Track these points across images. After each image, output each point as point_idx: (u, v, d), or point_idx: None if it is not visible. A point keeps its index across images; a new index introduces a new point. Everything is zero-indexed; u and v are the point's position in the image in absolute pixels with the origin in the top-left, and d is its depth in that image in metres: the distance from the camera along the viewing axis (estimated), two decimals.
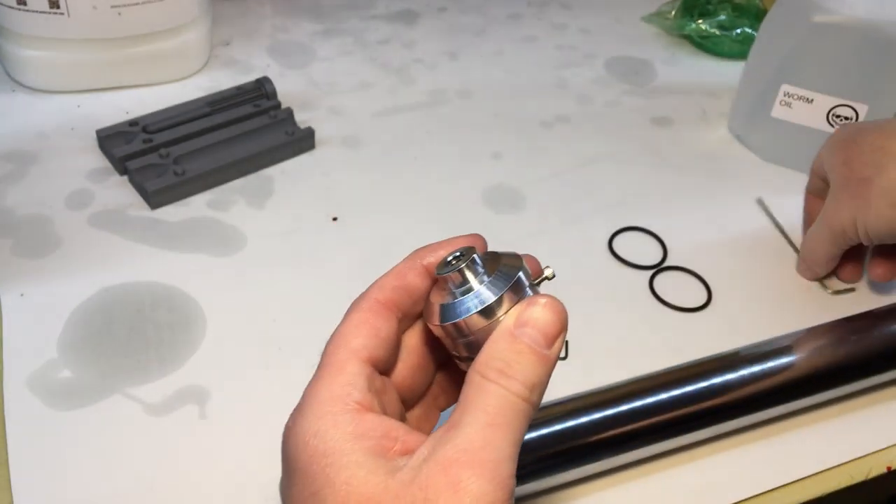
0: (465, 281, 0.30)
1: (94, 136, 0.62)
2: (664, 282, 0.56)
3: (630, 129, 0.70)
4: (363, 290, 0.33)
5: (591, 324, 0.52)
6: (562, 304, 0.31)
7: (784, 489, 0.45)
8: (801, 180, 0.60)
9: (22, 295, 0.51)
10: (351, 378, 0.30)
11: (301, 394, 0.30)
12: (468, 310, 0.30)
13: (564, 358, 0.51)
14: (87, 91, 0.67)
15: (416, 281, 0.33)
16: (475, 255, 0.31)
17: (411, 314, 0.34)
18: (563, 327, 0.31)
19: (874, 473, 0.46)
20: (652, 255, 0.58)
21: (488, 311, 0.30)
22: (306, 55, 0.75)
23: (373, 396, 0.30)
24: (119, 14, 0.63)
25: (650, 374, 0.45)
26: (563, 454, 0.42)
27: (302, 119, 0.66)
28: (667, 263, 0.57)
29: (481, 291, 0.30)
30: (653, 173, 0.65)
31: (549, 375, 0.30)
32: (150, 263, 0.54)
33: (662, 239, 0.59)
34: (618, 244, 0.58)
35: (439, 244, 0.34)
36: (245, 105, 0.65)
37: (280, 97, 0.66)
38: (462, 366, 0.32)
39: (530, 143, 0.67)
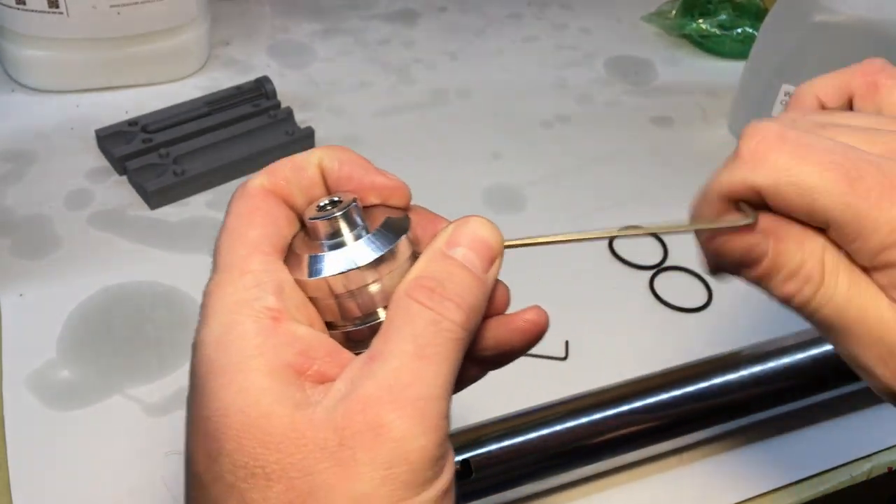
0: (336, 233, 0.26)
1: (94, 135, 0.62)
2: (665, 282, 0.56)
3: (630, 129, 0.70)
4: None
5: (592, 324, 0.52)
6: (495, 226, 0.27)
7: (785, 490, 0.45)
8: None
9: (21, 295, 0.51)
10: (257, 278, 0.25)
11: None
12: (336, 268, 0.26)
13: (564, 358, 0.51)
14: (87, 91, 0.67)
15: (317, 182, 0.28)
16: (354, 205, 0.27)
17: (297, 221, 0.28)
18: (500, 250, 0.27)
19: (875, 474, 0.46)
20: (652, 255, 0.58)
21: (357, 276, 0.26)
22: (306, 55, 0.75)
23: (285, 301, 0.25)
24: (118, 13, 0.63)
25: (650, 375, 0.45)
26: (563, 455, 0.42)
27: (302, 119, 0.66)
28: (667, 263, 0.57)
29: (353, 249, 0.26)
30: (653, 173, 0.65)
31: (485, 303, 0.26)
32: (149, 263, 0.54)
33: (663, 239, 0.59)
34: (618, 244, 0.58)
35: (354, 159, 0.28)
36: (244, 105, 0.65)
37: (280, 97, 0.66)
38: (333, 335, 0.27)
39: (530, 143, 0.67)
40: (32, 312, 0.50)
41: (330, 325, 0.27)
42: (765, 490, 0.45)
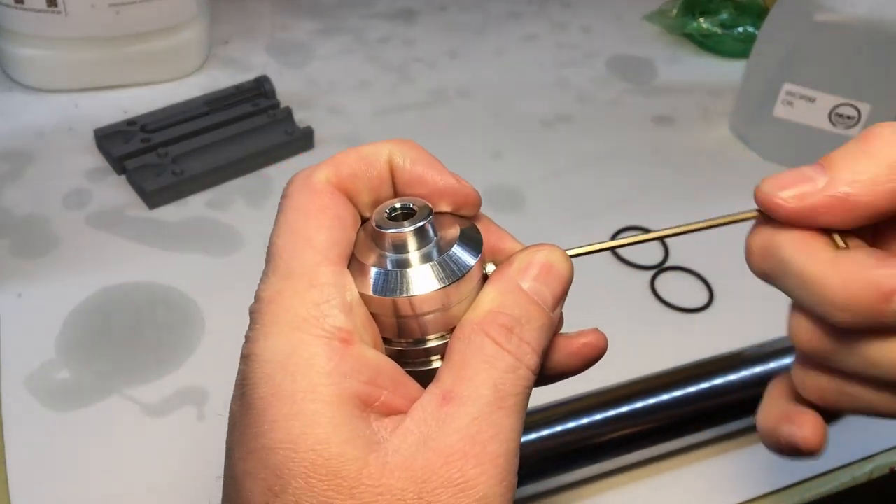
0: (406, 247, 0.24)
1: (92, 135, 0.62)
2: (665, 282, 0.56)
3: (631, 128, 0.70)
4: None
5: (592, 324, 0.52)
6: (566, 255, 0.25)
7: (786, 490, 0.45)
8: None
9: (20, 295, 0.51)
10: (326, 293, 0.23)
11: None
12: (405, 289, 0.24)
13: None
14: (85, 90, 0.67)
15: (385, 179, 0.25)
16: (430, 219, 0.24)
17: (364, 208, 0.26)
18: (570, 283, 0.25)
19: (876, 475, 0.46)
20: (653, 255, 0.58)
21: (427, 300, 0.24)
22: (305, 54, 0.75)
23: (354, 320, 0.23)
24: (117, 13, 0.63)
25: (651, 375, 0.45)
26: (564, 456, 0.42)
27: (301, 118, 0.66)
28: (668, 263, 0.57)
29: (425, 271, 0.24)
30: (654, 173, 0.65)
31: (552, 325, 0.25)
32: (148, 263, 0.53)
33: (663, 239, 0.59)
34: None
35: (424, 157, 0.27)
36: (244, 104, 0.65)
37: (279, 96, 0.66)
38: (387, 350, 0.25)
39: (530, 143, 0.67)
40: (31, 312, 0.50)
41: (385, 341, 0.25)
42: (766, 491, 0.44)
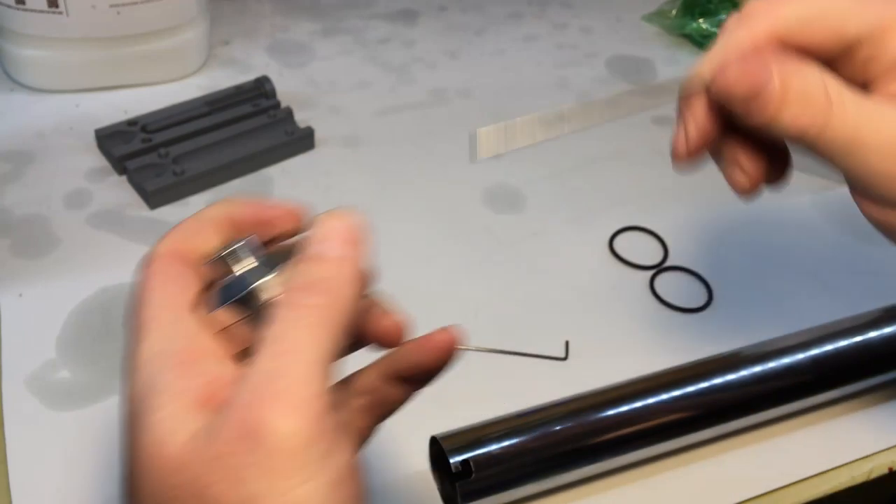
0: (225, 273, 0.29)
1: (93, 135, 0.62)
2: (665, 282, 0.56)
3: (631, 129, 0.70)
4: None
5: (592, 324, 0.52)
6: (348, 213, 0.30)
7: (785, 490, 0.45)
8: (801, 180, 0.60)
9: (20, 295, 0.51)
10: (166, 331, 0.27)
11: None
12: (220, 302, 0.28)
13: (565, 358, 0.51)
14: (86, 90, 0.67)
15: (213, 233, 0.30)
16: (240, 245, 0.29)
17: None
18: (355, 236, 0.29)
19: (875, 474, 0.46)
20: (653, 255, 0.58)
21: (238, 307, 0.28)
22: (306, 54, 0.75)
23: (194, 344, 0.27)
24: (118, 13, 0.63)
25: (651, 375, 0.45)
26: (563, 455, 0.42)
27: (301, 118, 0.66)
28: (668, 263, 0.57)
29: (234, 280, 0.28)
30: (654, 173, 0.65)
31: (350, 279, 0.27)
32: None
33: (663, 239, 0.59)
34: (618, 244, 0.58)
35: (249, 201, 0.31)
36: (244, 104, 0.65)
37: (279, 96, 0.66)
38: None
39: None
40: (32, 312, 0.50)
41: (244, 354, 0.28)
42: (765, 490, 0.45)
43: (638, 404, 0.43)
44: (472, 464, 0.39)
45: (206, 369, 0.26)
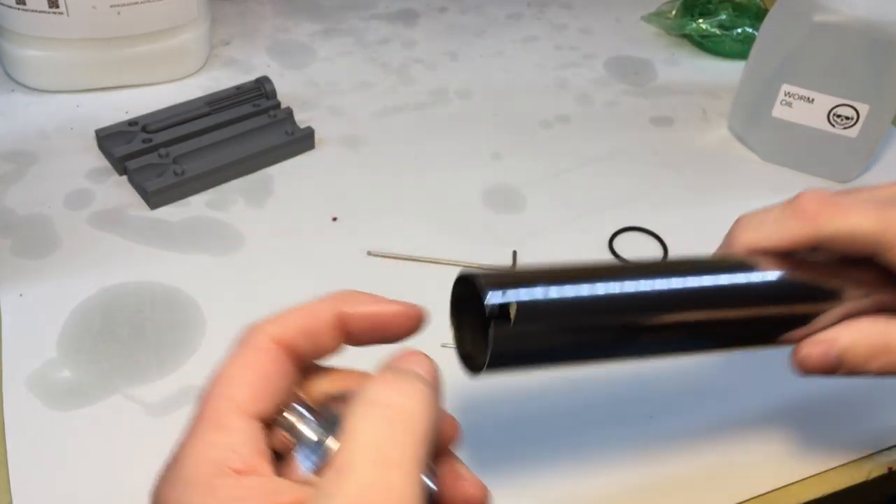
0: (298, 436, 0.27)
1: (94, 135, 0.62)
2: None
3: (630, 129, 0.70)
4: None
5: None
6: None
7: (784, 490, 0.45)
8: (801, 180, 0.60)
9: (21, 295, 0.51)
10: (233, 440, 0.25)
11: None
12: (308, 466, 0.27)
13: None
14: (87, 91, 0.67)
15: (328, 331, 0.28)
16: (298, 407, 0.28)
17: (309, 367, 0.29)
18: (435, 375, 0.27)
19: (874, 474, 0.46)
20: (653, 255, 0.58)
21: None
22: (306, 55, 0.75)
23: (260, 455, 0.25)
24: (118, 13, 0.63)
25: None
26: (620, 332, 0.33)
27: (302, 119, 0.66)
28: None
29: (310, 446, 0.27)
30: (653, 173, 0.65)
31: (433, 426, 0.25)
32: (149, 263, 0.54)
33: (663, 239, 0.59)
34: (618, 244, 0.58)
35: (369, 298, 0.29)
36: (245, 105, 0.65)
37: (280, 97, 0.66)
38: None
39: (530, 143, 0.67)
40: (32, 312, 0.50)
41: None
42: (764, 490, 0.45)
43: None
44: (515, 308, 0.30)
45: (258, 485, 0.24)
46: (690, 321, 0.35)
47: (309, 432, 0.27)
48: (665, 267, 0.36)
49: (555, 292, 0.31)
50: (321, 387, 0.29)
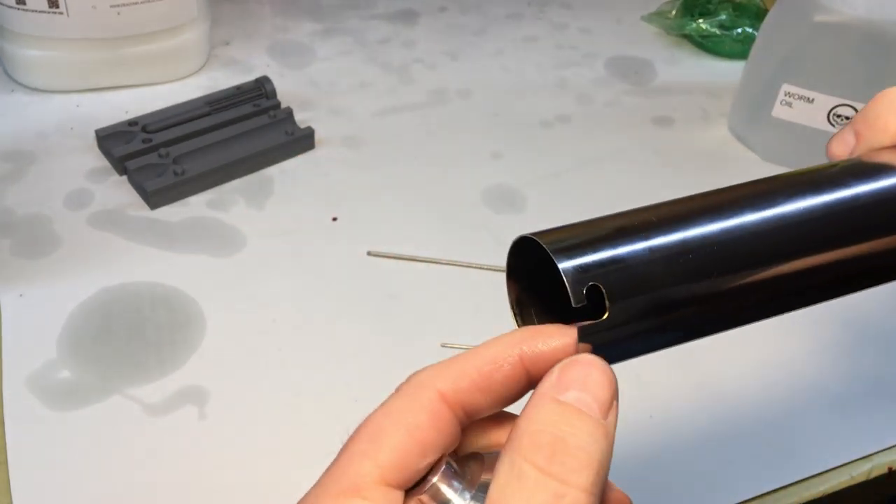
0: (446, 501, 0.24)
1: (94, 135, 0.62)
2: None
3: (630, 129, 0.70)
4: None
5: None
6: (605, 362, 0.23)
7: (784, 490, 0.45)
8: None
9: (21, 295, 0.51)
10: None
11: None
12: None
13: None
14: (87, 91, 0.67)
15: (505, 382, 0.23)
16: (449, 467, 0.24)
17: (480, 417, 0.25)
18: (616, 390, 0.23)
19: (875, 474, 0.46)
20: None
21: None
22: (306, 55, 0.75)
23: None
24: (118, 14, 0.63)
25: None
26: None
27: (302, 119, 0.66)
28: None
29: None
30: (653, 173, 0.65)
31: (610, 457, 0.22)
32: (149, 263, 0.54)
33: None
34: None
35: (555, 331, 0.24)
36: (245, 105, 0.65)
37: (280, 97, 0.66)
38: None
39: (530, 143, 0.67)
40: (32, 312, 0.50)
41: None
42: (765, 490, 0.45)
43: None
44: (605, 292, 0.23)
45: None
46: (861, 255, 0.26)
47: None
48: (791, 182, 0.26)
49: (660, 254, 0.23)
50: (476, 441, 0.25)
